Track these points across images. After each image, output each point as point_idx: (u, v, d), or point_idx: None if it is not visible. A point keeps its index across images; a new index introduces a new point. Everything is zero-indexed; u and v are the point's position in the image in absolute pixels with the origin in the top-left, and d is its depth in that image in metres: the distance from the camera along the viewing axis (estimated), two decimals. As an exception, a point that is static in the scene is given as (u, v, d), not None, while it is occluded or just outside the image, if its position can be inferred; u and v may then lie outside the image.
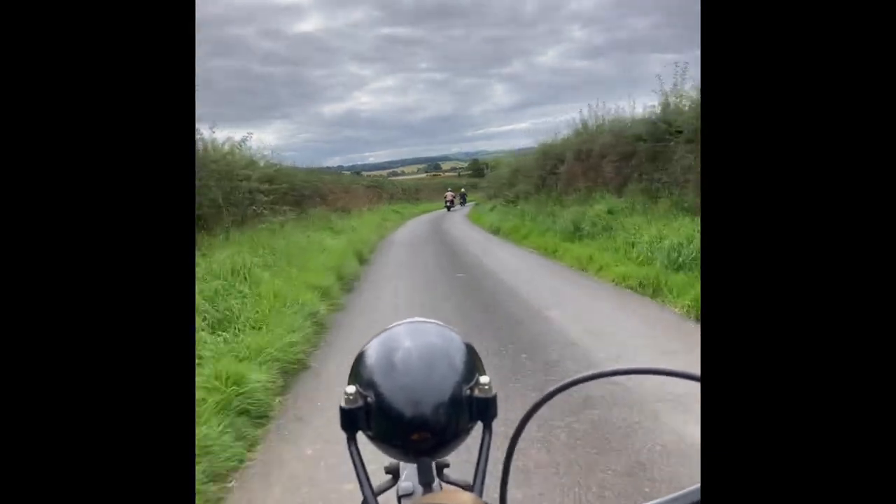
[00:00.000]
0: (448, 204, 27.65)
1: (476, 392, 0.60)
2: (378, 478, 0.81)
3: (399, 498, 0.79)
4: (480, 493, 0.58)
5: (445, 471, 0.71)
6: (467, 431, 0.62)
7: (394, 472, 0.84)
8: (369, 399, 0.60)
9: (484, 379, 0.61)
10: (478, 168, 48.86)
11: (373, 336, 0.68)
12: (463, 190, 34.21)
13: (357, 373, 0.64)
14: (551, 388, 0.58)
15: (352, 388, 0.61)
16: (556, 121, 37.52)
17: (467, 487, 0.78)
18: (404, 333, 0.66)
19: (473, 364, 0.64)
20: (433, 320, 0.68)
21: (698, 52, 0.38)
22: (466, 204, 29.82)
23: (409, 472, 0.82)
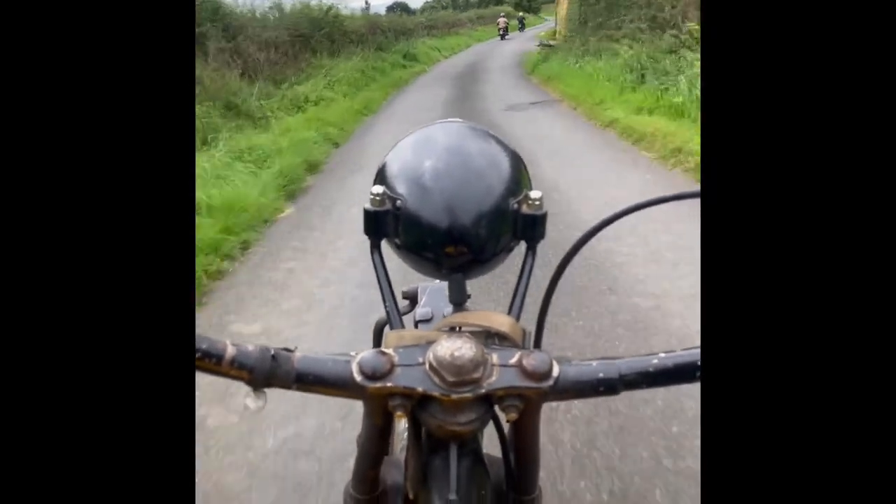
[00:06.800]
0: (501, 31, 24.60)
1: (524, 208, 0.53)
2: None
3: (416, 323, 0.74)
4: (518, 318, 0.53)
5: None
6: (508, 251, 0.56)
7: (412, 298, 0.80)
8: (399, 203, 0.52)
9: (534, 194, 0.53)
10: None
11: (403, 136, 0.59)
12: (521, 14, 32.84)
13: (385, 174, 0.56)
14: (596, 223, 0.52)
15: (379, 189, 0.53)
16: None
17: None
18: (441, 133, 0.57)
19: (521, 175, 0.56)
20: (475, 123, 0.60)
21: None
22: (525, 30, 27.83)
23: (427, 298, 0.78)
